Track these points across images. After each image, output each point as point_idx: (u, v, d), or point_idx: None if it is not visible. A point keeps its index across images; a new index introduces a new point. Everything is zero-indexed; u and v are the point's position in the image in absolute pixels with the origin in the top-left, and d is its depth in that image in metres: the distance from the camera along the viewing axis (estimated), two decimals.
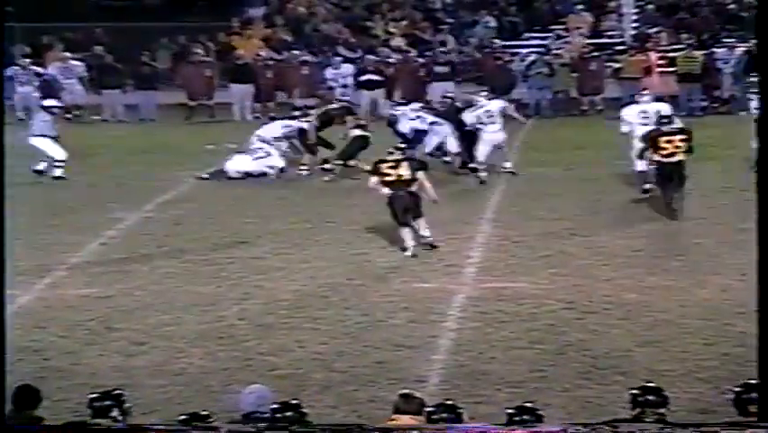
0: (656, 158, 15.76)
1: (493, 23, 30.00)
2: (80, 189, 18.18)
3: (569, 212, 15.68)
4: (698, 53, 26.11)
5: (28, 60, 26.90)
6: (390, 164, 14.40)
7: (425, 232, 14.15)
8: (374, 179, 14.47)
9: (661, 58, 26.48)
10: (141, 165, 20.19)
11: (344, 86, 26.24)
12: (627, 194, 16.80)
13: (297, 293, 12.17)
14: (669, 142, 15.82)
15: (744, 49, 26.07)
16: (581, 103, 26.56)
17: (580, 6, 30.33)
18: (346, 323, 11.16)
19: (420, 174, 14.43)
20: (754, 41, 25.91)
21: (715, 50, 26.85)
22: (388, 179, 14.28)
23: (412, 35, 29.36)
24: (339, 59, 27.29)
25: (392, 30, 29.61)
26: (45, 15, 29.96)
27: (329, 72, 26.80)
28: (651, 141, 16.04)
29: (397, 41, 28.76)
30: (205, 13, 33.80)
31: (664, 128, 16.07)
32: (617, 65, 26.30)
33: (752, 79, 25.00)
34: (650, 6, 30.14)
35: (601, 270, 12.77)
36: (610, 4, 30.80)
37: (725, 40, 27.49)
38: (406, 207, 14.13)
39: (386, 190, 14.27)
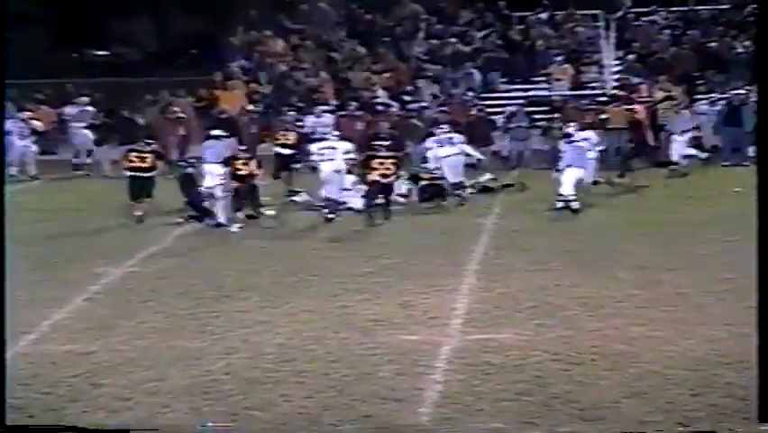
0: (372, 177, 19.59)
1: (477, 75, 30.25)
2: (63, 245, 18.16)
3: (552, 263, 15.71)
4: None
5: (27, 114, 27.20)
6: (243, 161, 19.51)
7: (222, 220, 19.12)
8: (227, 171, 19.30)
9: (644, 108, 26.67)
10: (125, 220, 20.20)
11: (323, 135, 26.30)
12: (611, 244, 16.88)
13: (282, 347, 12.12)
14: (381, 164, 19.65)
15: (725, 99, 26.29)
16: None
17: (560, 58, 30.56)
18: (332, 376, 11.11)
19: (261, 170, 19.69)
20: (734, 92, 26.19)
21: (696, 98, 27.10)
22: (239, 173, 19.35)
23: (394, 87, 29.56)
24: (320, 108, 27.45)
25: (375, 81, 29.80)
26: (28, 71, 30.15)
27: (309, 121, 26.92)
28: (364, 163, 19.95)
29: (379, 93, 28.96)
30: (187, 67, 33.98)
31: (377, 153, 19.91)
32: (603, 116, 26.45)
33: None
34: (630, 57, 30.37)
35: (586, 320, 12.77)
36: (593, 56, 31.06)
37: (704, 87, 27.72)
38: (244, 195, 19.35)
39: (234, 183, 19.24)
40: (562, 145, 21.45)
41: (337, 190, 20.35)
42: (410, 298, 14.03)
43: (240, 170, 19.39)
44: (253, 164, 19.60)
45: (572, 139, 21.28)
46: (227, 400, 10.57)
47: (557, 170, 20.58)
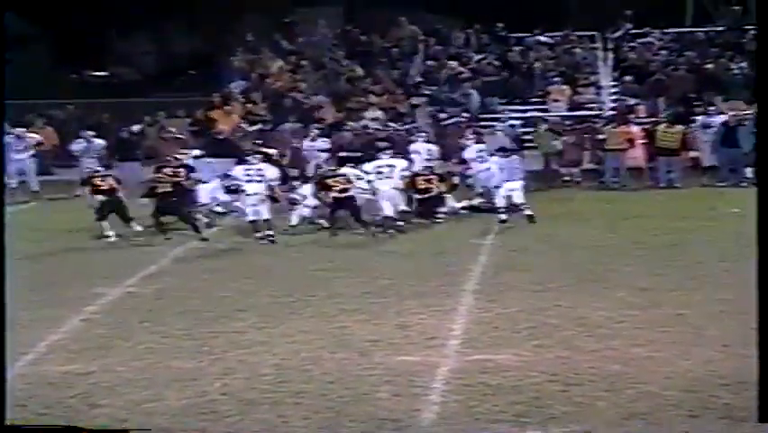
0: (331, 194, 20.22)
1: (475, 96, 30.27)
2: (62, 265, 18.13)
3: (551, 283, 15.67)
4: (677, 127, 26.29)
5: (23, 129, 27.24)
6: (100, 178, 21.14)
7: (109, 233, 20.39)
8: (87, 189, 21.24)
9: (641, 130, 26.70)
10: (124, 240, 20.21)
11: (317, 158, 26.39)
12: (609, 264, 16.84)
13: (280, 367, 12.07)
14: (337, 181, 20.30)
15: (722, 120, 26.31)
16: (559, 175, 26.75)
17: (557, 79, 30.60)
18: (329, 397, 11.05)
19: (120, 185, 21.23)
20: (731, 113, 26.22)
21: (694, 119, 27.10)
22: (100, 189, 20.91)
23: (391, 108, 29.57)
24: (316, 131, 27.46)
25: (372, 102, 29.81)
26: (27, 91, 30.17)
27: (305, 144, 26.96)
28: (319, 183, 20.62)
29: (376, 114, 28.96)
30: (185, 88, 34.01)
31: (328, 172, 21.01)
32: (601, 136, 26.49)
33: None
34: (628, 78, 30.40)
35: (585, 341, 12.71)
36: (591, 77, 31.10)
37: (702, 106, 27.70)
38: (110, 209, 20.65)
39: (99, 197, 20.77)
40: (496, 161, 21.87)
41: (396, 208, 20.65)
42: (408, 318, 13.98)
43: (100, 185, 20.95)
44: (111, 180, 21.19)
45: (507, 153, 22.13)
46: (224, 420, 10.52)
47: (496, 187, 21.25)
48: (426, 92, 30.82)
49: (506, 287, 15.63)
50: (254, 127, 28.61)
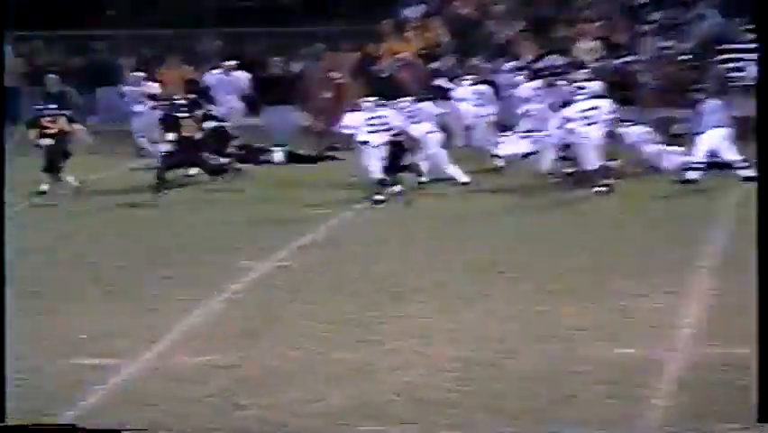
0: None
1: (719, 19, 29.60)
2: (200, 234, 18.45)
3: None
4: None
5: (140, 74, 27.80)
6: (50, 119, 21.83)
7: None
8: (33, 133, 21.88)
9: None
10: (273, 203, 20.47)
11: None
12: None
13: (466, 361, 12.10)
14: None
15: None
16: None
17: None
18: (526, 397, 11.04)
19: (74, 126, 22.29)
20: None
21: None
22: (48, 131, 21.65)
23: (605, 38, 29.22)
24: (511, 64, 27.26)
25: (583, 31, 29.52)
26: (168, 20, 30.76)
27: (501, 78, 26.91)
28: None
29: (588, 45, 28.67)
30: (351, 15, 34.12)
31: None
32: None
33: None
34: None
35: None
36: None
37: None
38: (57, 154, 21.70)
39: (46, 141, 21.61)
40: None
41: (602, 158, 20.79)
42: (627, 301, 13.91)
43: (48, 128, 21.81)
44: (62, 121, 22.07)
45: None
46: (398, 427, 10.57)
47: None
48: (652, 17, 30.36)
49: (750, 265, 15.31)
50: (434, 64, 28.61)
